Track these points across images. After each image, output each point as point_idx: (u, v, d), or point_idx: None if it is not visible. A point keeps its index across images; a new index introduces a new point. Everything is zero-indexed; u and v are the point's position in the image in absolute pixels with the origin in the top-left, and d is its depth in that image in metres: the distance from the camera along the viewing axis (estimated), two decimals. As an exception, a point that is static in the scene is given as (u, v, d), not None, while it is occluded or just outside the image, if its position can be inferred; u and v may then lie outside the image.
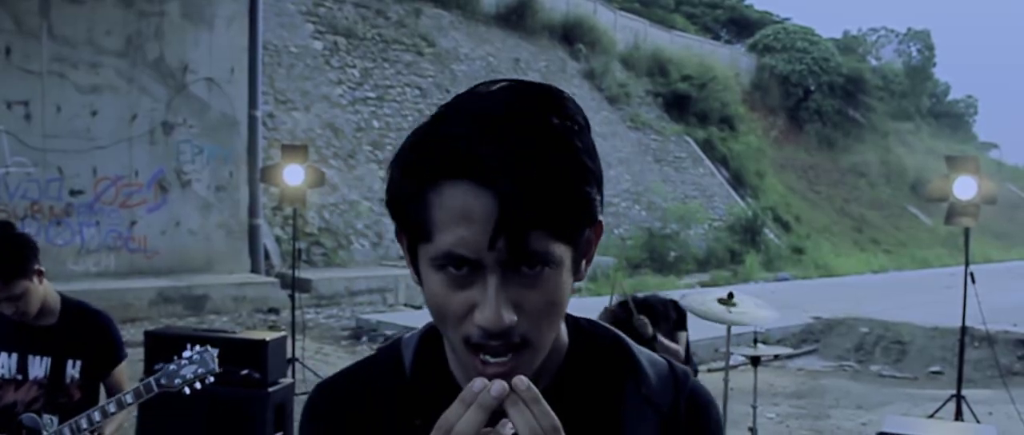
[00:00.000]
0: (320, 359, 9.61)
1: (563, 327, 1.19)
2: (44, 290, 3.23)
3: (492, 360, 1.02)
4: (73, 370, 3.27)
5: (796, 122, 37.23)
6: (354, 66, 19.93)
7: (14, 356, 3.24)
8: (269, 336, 5.50)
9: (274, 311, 13.08)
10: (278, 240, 15.58)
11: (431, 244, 1.01)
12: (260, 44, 14.89)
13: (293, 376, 7.30)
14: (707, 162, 28.75)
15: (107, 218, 13.31)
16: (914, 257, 30.13)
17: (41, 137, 12.68)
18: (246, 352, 5.25)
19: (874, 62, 48.99)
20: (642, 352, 1.22)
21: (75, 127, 12.93)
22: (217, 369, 3.15)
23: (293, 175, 8.35)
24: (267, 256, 15.06)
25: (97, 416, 3.09)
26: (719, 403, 5.23)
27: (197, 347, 3.17)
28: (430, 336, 1.20)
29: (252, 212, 14.69)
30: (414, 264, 1.08)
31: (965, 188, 7.04)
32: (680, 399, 1.19)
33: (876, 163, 38.10)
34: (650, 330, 4.94)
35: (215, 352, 3.17)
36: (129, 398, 3.10)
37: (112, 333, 3.41)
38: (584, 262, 1.09)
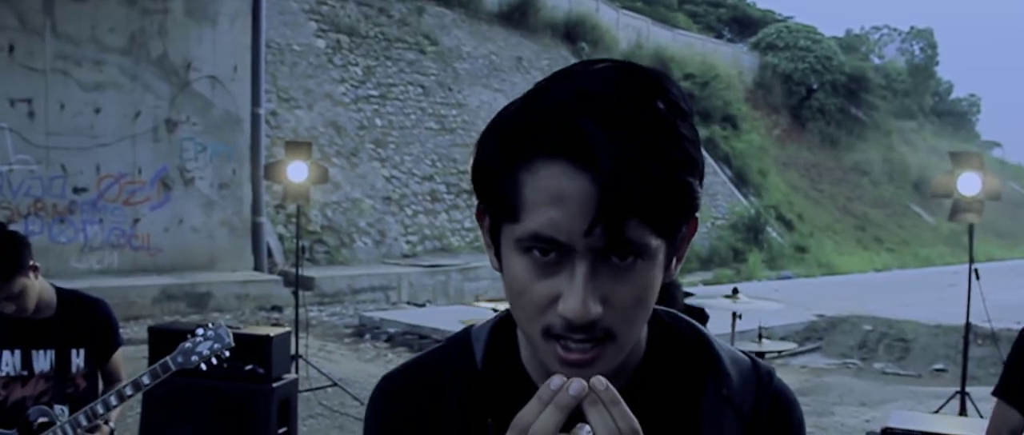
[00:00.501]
0: (323, 356, 9.61)
1: None
2: (40, 285, 3.25)
3: (574, 346, 0.97)
4: (78, 359, 3.30)
5: (799, 121, 37.20)
6: (357, 64, 19.93)
7: (17, 353, 3.24)
8: (273, 332, 5.50)
9: (277, 309, 13.08)
10: (281, 238, 15.59)
11: (518, 225, 0.96)
12: (263, 42, 14.90)
13: (297, 373, 7.31)
14: (710, 160, 28.74)
15: (110, 216, 13.32)
16: (917, 255, 30.12)
17: (44, 134, 12.69)
18: (250, 348, 5.24)
19: (877, 61, 48.94)
20: (724, 349, 1.15)
21: (78, 124, 12.93)
22: (232, 344, 3.18)
23: (297, 172, 8.35)
24: (270, 254, 15.07)
25: (114, 400, 3.11)
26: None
27: (211, 324, 3.21)
28: (501, 327, 1.15)
29: (255, 210, 14.69)
30: (495, 246, 1.03)
31: (969, 184, 7.02)
32: (763, 401, 1.13)
33: (879, 162, 38.07)
34: None
35: (228, 329, 3.20)
36: (146, 379, 3.11)
37: (111, 319, 3.44)
38: (676, 259, 1.04)
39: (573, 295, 0.94)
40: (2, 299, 3.09)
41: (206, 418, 5.14)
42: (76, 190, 13.03)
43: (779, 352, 7.86)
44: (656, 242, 0.96)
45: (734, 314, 5.28)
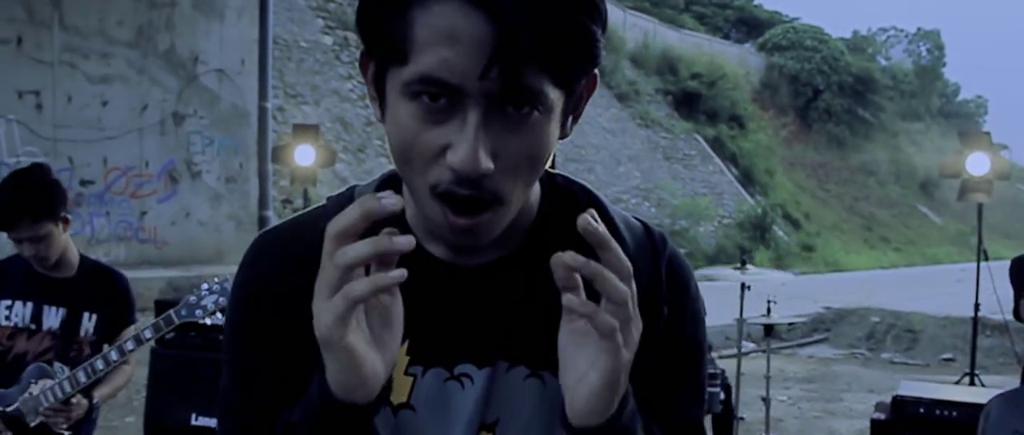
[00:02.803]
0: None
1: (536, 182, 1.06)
2: (66, 240, 3.21)
3: (461, 209, 0.91)
4: (88, 323, 3.23)
5: (806, 121, 37.17)
6: (364, 61, 19.96)
7: (29, 305, 3.19)
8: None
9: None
10: (288, 233, 15.61)
11: (406, 67, 0.88)
12: (270, 36, 14.91)
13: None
14: (716, 160, 28.71)
15: (117, 208, 13.33)
16: (924, 255, 30.07)
17: (52, 127, 12.71)
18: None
19: (883, 62, 48.88)
20: (618, 213, 1.09)
21: (86, 117, 12.95)
22: None
23: (304, 155, 8.35)
24: (277, 248, 15.08)
25: (114, 355, 3.06)
26: (732, 384, 5.22)
27: (216, 278, 3.16)
28: (387, 185, 1.07)
29: (262, 204, 14.70)
30: (380, 95, 0.95)
31: (978, 164, 7.01)
32: (660, 264, 1.07)
33: (886, 162, 38.04)
34: None
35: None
36: (148, 333, 3.07)
37: (129, 293, 3.39)
38: (571, 118, 0.98)
39: (463, 144, 0.87)
40: (25, 239, 3.06)
41: (213, 392, 5.10)
42: (83, 183, 13.04)
43: (789, 325, 7.82)
44: (554, 93, 0.90)
45: (742, 285, 5.26)
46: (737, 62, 35.16)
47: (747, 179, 29.12)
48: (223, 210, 14.31)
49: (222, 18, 14.17)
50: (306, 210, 1.13)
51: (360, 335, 0.85)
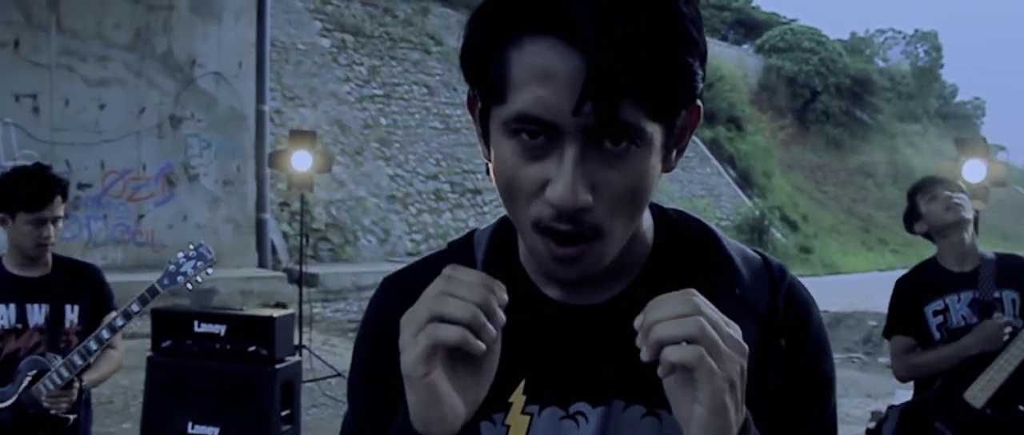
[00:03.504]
0: (327, 349, 9.61)
1: (649, 218, 1.08)
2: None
3: (561, 241, 0.93)
4: (72, 314, 3.38)
5: (803, 123, 37.19)
6: (361, 64, 19.96)
7: (12, 306, 3.30)
8: (276, 313, 5.49)
9: (281, 305, 13.01)
10: (285, 235, 15.61)
11: (504, 106, 0.91)
12: (268, 38, 14.92)
13: (301, 359, 7.30)
14: (714, 162, 28.73)
15: (115, 211, 13.34)
16: (922, 257, 29.85)
17: (49, 130, 12.71)
18: (253, 329, 5.24)
19: (881, 63, 48.88)
20: (734, 246, 1.10)
21: (83, 120, 12.96)
22: (214, 259, 3.32)
23: (301, 161, 8.35)
24: (274, 251, 15.08)
25: (105, 333, 3.21)
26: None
27: (191, 245, 3.35)
28: (503, 229, 1.11)
29: (260, 207, 14.71)
30: (485, 135, 0.98)
31: (974, 171, 7.01)
32: (777, 298, 1.06)
33: (884, 164, 38.06)
34: None
35: (209, 246, 3.34)
36: (135, 306, 3.21)
37: (104, 282, 3.55)
38: (676, 151, 0.98)
39: (561, 179, 0.89)
40: (49, 220, 3.21)
41: (209, 400, 5.13)
42: (80, 186, 13.04)
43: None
44: (652, 127, 0.91)
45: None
46: (735, 64, 35.17)
47: (745, 181, 29.14)
48: (221, 213, 14.31)
49: (219, 21, 14.17)
50: (431, 253, 1.19)
51: (443, 375, 0.89)
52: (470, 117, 1.02)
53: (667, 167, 0.98)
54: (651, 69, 0.87)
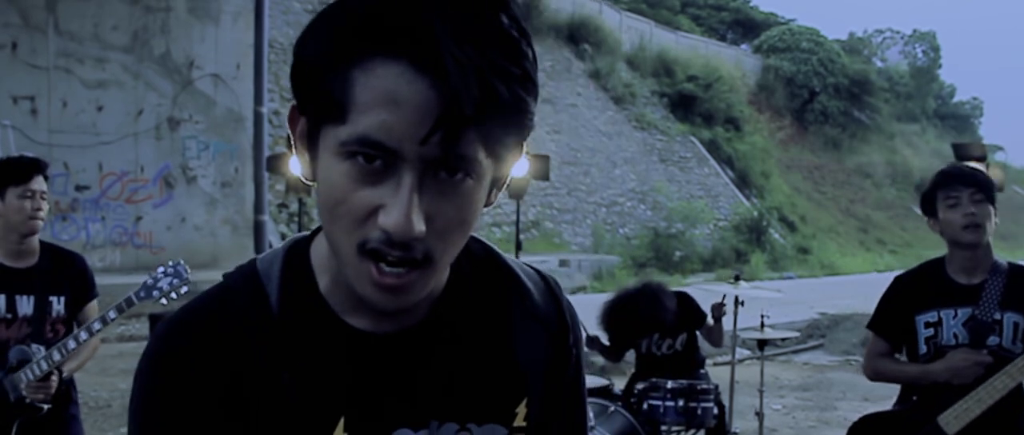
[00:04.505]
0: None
1: None
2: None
3: (389, 269, 0.90)
4: (58, 305, 3.51)
5: (802, 123, 37.22)
6: (359, 64, 19.95)
7: (3, 297, 3.45)
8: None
9: (279, 306, 13.09)
10: (283, 237, 15.59)
11: (343, 126, 0.88)
12: (266, 40, 14.88)
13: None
14: (712, 162, 28.73)
15: (113, 213, 13.34)
16: (920, 257, 29.73)
17: (47, 132, 12.71)
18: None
19: (879, 63, 48.98)
20: (516, 264, 1.13)
21: (81, 122, 12.96)
22: (190, 279, 3.41)
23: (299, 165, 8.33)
24: (272, 253, 15.08)
25: (83, 335, 3.35)
26: (725, 395, 5.22)
27: (170, 262, 3.47)
28: (293, 258, 1.04)
29: (258, 208, 14.67)
30: (311, 150, 0.94)
31: (972, 176, 6.99)
32: (561, 309, 1.14)
33: (882, 164, 38.09)
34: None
35: (185, 266, 3.47)
36: (112, 314, 3.35)
37: (87, 270, 3.67)
38: (495, 189, 0.98)
39: (397, 207, 0.87)
40: (35, 193, 3.34)
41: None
42: (78, 188, 13.05)
43: (782, 339, 7.85)
44: (486, 161, 0.91)
45: (736, 300, 5.26)
46: (733, 64, 35.20)
47: (743, 182, 29.14)
48: (219, 215, 14.31)
49: (217, 22, 14.16)
50: (211, 288, 1.05)
51: None
52: None
53: (488, 202, 0.97)
54: (498, 106, 0.87)
